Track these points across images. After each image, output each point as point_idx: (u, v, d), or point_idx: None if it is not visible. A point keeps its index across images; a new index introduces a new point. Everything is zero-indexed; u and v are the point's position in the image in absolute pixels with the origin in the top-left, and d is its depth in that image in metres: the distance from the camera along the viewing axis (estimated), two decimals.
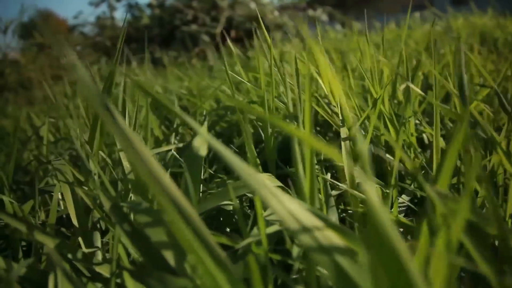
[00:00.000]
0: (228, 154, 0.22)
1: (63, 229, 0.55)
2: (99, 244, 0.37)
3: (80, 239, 0.41)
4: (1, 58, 2.45)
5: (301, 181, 0.28)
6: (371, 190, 0.17)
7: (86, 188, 0.50)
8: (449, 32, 1.77)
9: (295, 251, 0.29)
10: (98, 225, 0.51)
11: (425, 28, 2.12)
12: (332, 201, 0.37)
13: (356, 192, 0.39)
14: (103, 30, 3.56)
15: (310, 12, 3.71)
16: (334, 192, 0.39)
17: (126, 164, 0.38)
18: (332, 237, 0.22)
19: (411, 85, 0.41)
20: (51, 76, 2.25)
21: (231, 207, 0.43)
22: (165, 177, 0.22)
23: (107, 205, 0.30)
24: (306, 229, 0.22)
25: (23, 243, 0.48)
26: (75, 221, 0.42)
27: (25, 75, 2.13)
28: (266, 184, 0.22)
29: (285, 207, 0.22)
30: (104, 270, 0.33)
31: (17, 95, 1.88)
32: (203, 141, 0.31)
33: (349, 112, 0.39)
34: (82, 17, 4.56)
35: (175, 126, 0.68)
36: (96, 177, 0.50)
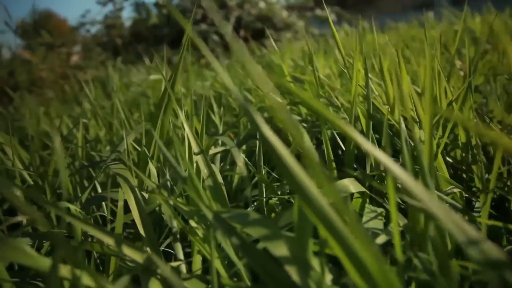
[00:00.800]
0: (381, 154, 0.20)
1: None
2: (181, 256, 0.35)
3: (148, 250, 0.39)
4: (10, 57, 2.42)
5: (429, 186, 0.26)
6: None
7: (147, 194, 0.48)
8: (468, 31, 1.75)
9: (417, 262, 0.27)
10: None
11: (439, 27, 2.10)
12: None
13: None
14: (110, 29, 3.53)
15: (318, 11, 3.70)
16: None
17: (204, 170, 0.36)
18: (494, 250, 0.20)
19: None
20: (61, 76, 2.23)
21: None
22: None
23: (209, 214, 0.28)
24: (472, 241, 0.20)
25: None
26: (141, 230, 0.40)
27: (36, 75, 2.11)
28: (425, 190, 0.20)
29: (452, 218, 0.20)
30: (194, 286, 0.31)
31: (30, 95, 1.86)
32: (310, 146, 0.29)
33: None
34: (88, 16, 4.50)
35: (220, 131, 0.66)
36: (149, 181, 0.48)
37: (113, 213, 0.59)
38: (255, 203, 0.53)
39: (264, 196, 0.46)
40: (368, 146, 0.20)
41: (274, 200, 0.49)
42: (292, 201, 0.53)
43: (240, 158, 0.29)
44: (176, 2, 3.52)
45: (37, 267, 0.26)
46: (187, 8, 3.31)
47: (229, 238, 0.26)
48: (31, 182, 0.66)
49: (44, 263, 0.26)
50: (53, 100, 1.63)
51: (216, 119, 0.71)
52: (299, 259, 0.25)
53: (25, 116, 1.27)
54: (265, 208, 0.46)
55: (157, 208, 0.48)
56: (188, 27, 0.24)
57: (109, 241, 0.30)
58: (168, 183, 0.49)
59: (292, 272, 0.24)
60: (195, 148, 0.37)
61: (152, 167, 0.46)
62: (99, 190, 0.63)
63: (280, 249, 0.25)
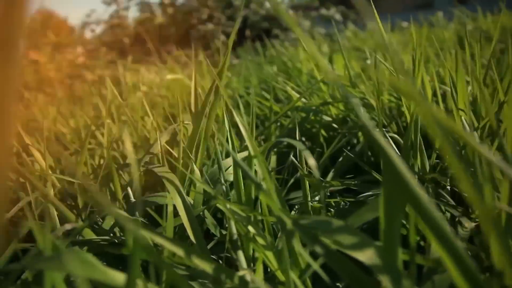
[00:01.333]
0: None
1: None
2: (244, 264, 0.34)
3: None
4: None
5: None
6: None
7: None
8: (481, 31, 1.74)
9: None
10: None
11: (451, 27, 2.09)
12: None
13: None
14: (115, 29, 3.52)
15: (323, 11, 3.69)
16: None
17: (260, 173, 0.35)
18: None
19: None
20: (69, 76, 2.22)
21: None
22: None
23: (288, 222, 0.27)
24: None
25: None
26: (192, 236, 0.39)
27: (44, 74, 2.10)
28: None
29: None
30: None
31: (39, 94, 1.85)
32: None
33: None
34: (93, 15, 4.45)
35: (264, 128, 0.65)
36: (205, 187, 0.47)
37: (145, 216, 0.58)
38: (297, 206, 0.52)
39: (309, 199, 0.46)
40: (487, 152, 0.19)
41: (316, 203, 0.48)
42: (333, 203, 0.53)
43: (313, 161, 0.28)
44: (182, 1, 3.52)
45: (112, 283, 0.24)
46: (193, 7, 3.30)
47: (313, 246, 0.26)
48: (59, 186, 0.65)
49: (119, 278, 0.24)
50: (63, 100, 1.63)
51: (244, 121, 0.71)
52: (389, 267, 0.24)
53: (38, 116, 1.27)
54: (311, 211, 0.45)
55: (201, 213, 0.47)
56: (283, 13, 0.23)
57: (177, 250, 0.29)
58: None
59: (385, 281, 0.23)
60: (252, 151, 0.36)
61: (196, 170, 0.45)
62: (130, 194, 0.62)
63: (368, 257, 0.24)
